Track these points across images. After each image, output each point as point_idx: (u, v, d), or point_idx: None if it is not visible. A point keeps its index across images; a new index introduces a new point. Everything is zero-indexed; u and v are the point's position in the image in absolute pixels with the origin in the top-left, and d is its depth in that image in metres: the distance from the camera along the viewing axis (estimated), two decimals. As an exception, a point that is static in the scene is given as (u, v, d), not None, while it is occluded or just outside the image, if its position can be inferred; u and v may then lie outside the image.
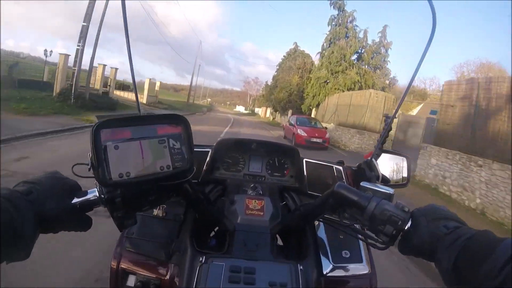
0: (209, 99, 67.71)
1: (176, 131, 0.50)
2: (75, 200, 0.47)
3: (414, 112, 19.45)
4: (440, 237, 0.43)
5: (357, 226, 0.61)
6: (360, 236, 0.60)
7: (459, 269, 0.39)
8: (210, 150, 0.95)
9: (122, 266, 0.69)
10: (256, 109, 57.39)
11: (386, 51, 18.39)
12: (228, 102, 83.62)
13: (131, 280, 0.69)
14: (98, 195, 0.47)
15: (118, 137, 0.45)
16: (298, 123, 11.61)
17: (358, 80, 17.57)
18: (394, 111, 0.77)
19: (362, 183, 0.63)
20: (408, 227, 0.48)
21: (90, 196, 0.48)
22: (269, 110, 37.22)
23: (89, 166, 0.44)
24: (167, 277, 0.66)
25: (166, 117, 0.50)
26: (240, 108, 69.59)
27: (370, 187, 0.59)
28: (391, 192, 0.57)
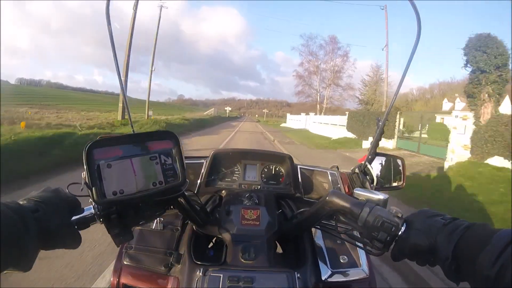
0: (229, 108, 62.94)
1: (166, 147, 0.51)
2: (74, 217, 0.48)
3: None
4: (438, 228, 0.44)
5: (354, 232, 0.62)
6: (356, 242, 0.60)
7: (458, 258, 0.40)
8: (205, 161, 0.95)
9: (122, 281, 0.69)
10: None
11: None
12: (266, 111, 73.79)
13: None
14: (94, 212, 0.48)
15: (110, 156, 0.46)
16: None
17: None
18: (385, 113, 0.78)
19: (355, 190, 0.63)
20: (401, 233, 0.48)
21: (87, 213, 0.49)
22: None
23: (82, 187, 0.45)
24: None
25: (157, 134, 0.51)
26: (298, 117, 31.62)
27: (364, 193, 0.60)
28: (385, 198, 0.57)
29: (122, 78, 0.60)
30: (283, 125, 34.22)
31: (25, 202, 0.44)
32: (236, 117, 71.88)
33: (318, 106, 32.58)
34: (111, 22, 0.56)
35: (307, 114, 26.46)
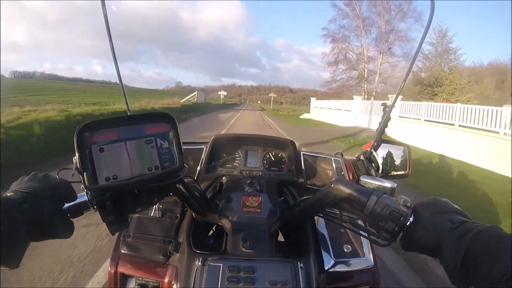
0: (224, 93, 42.98)
1: (163, 130, 0.48)
2: (66, 205, 0.45)
3: None
4: (445, 232, 0.41)
5: (359, 221, 0.59)
6: (361, 232, 0.58)
7: (467, 266, 0.37)
8: (205, 147, 0.93)
9: (120, 269, 0.68)
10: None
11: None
12: (272, 94, 54.10)
13: (130, 283, 0.68)
14: (87, 199, 0.46)
15: (103, 139, 0.43)
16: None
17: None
18: (392, 100, 0.75)
19: (361, 177, 0.61)
20: (410, 223, 0.46)
21: (80, 200, 0.46)
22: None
23: (72, 172, 0.42)
24: (166, 279, 0.65)
25: (153, 116, 0.48)
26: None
27: (370, 181, 0.57)
28: (393, 186, 0.55)
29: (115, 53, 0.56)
30: (305, 116, 20.96)
31: (11, 193, 0.41)
32: (235, 104, 58.83)
33: (363, 85, 20.14)
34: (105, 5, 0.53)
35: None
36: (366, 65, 20.41)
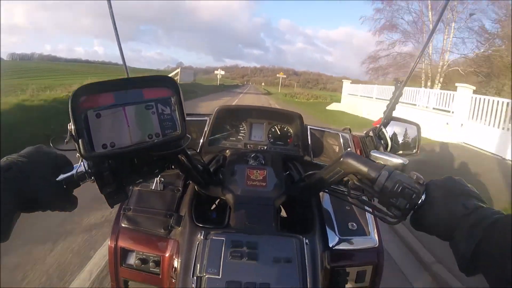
0: (221, 72, 33.76)
1: (165, 95, 0.44)
2: (61, 176, 0.43)
3: None
4: (459, 217, 0.38)
5: (365, 198, 0.58)
6: (369, 209, 0.56)
7: (479, 257, 0.34)
8: (208, 118, 0.90)
9: (120, 244, 0.67)
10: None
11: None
12: (281, 75, 41.87)
13: (131, 258, 0.68)
14: (84, 169, 0.44)
15: (100, 104, 0.40)
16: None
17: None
18: (406, 76, 0.71)
19: (372, 152, 0.58)
20: (422, 201, 0.43)
21: (76, 171, 0.44)
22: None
23: (67, 139, 0.39)
24: (167, 253, 0.64)
25: (153, 80, 0.44)
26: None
27: (382, 156, 0.55)
28: (404, 162, 0.53)
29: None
30: (334, 107, 14.78)
31: None
32: (236, 86, 50.09)
33: (426, 66, 13.39)
34: None
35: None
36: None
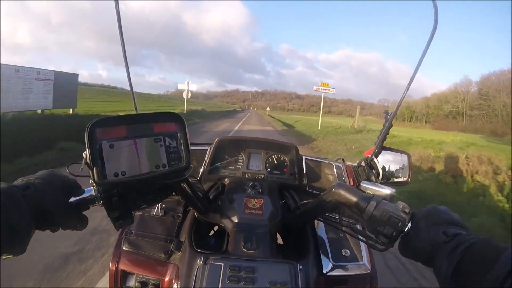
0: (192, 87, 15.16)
1: (172, 129, 0.49)
2: (72, 198, 0.47)
3: None
4: (439, 244, 0.42)
5: (358, 226, 0.60)
6: (360, 236, 0.59)
7: (458, 279, 0.38)
8: (208, 148, 0.94)
9: (121, 266, 0.68)
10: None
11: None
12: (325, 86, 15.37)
13: (131, 281, 0.69)
14: (94, 194, 0.47)
15: (113, 136, 0.45)
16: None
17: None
18: (395, 107, 0.76)
19: (362, 183, 0.62)
20: (408, 229, 0.47)
21: (86, 195, 0.48)
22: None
23: (81, 166, 0.43)
24: (166, 277, 0.66)
25: (162, 115, 0.50)
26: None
27: (371, 186, 0.59)
28: (392, 192, 0.56)
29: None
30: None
31: (16, 182, 0.43)
32: (234, 111, 46.03)
33: None
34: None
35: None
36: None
